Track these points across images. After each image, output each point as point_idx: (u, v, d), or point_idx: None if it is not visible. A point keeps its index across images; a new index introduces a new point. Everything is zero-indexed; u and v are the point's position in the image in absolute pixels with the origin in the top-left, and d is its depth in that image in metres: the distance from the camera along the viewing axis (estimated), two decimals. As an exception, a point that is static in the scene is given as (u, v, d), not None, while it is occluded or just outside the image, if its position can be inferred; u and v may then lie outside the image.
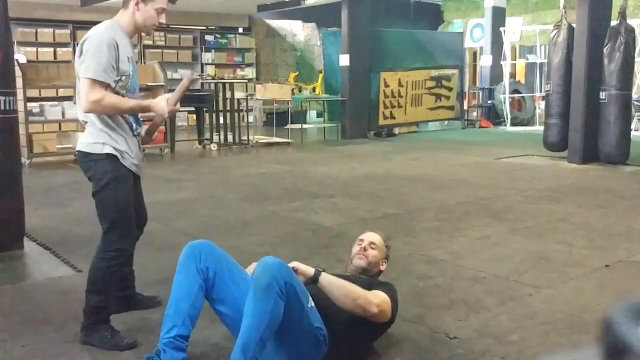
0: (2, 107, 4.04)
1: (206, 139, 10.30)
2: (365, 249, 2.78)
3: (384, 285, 2.66)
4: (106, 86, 2.63)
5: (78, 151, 2.80)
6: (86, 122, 2.76)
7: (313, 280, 2.41)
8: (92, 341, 2.74)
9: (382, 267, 2.85)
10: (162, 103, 2.75)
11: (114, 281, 2.87)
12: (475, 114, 14.00)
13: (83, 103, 2.63)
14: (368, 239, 2.83)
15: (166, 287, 2.47)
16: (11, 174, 4.20)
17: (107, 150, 2.70)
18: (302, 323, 2.31)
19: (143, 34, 2.86)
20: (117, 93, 2.70)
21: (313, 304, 2.38)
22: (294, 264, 2.45)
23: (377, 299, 2.45)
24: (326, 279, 2.42)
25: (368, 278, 2.71)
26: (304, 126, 12.22)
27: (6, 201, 4.15)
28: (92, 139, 2.73)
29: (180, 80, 2.95)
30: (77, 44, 2.87)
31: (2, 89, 4.04)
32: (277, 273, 2.22)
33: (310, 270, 2.43)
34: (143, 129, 2.96)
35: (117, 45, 2.66)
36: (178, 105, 2.81)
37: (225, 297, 2.45)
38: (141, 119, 2.96)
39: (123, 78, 2.71)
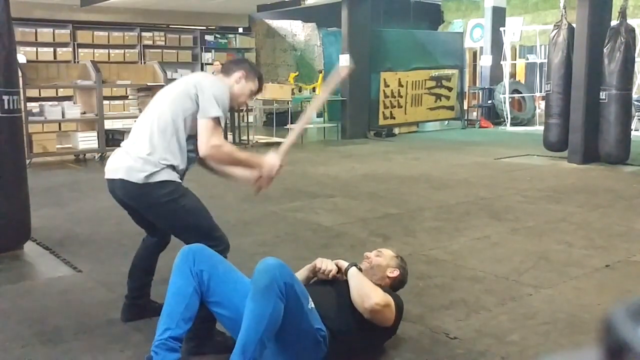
0: (6, 107, 4.03)
1: (206, 139, 10.29)
2: (368, 256, 2.82)
3: (392, 294, 2.65)
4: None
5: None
6: (135, 143, 2.71)
7: (345, 273, 2.64)
8: (207, 350, 2.65)
9: (392, 274, 2.77)
10: (272, 162, 2.80)
11: None
12: (475, 114, 13.99)
13: (202, 145, 2.64)
14: (377, 249, 2.89)
15: (167, 287, 2.48)
16: (16, 173, 4.19)
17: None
18: (301, 324, 2.32)
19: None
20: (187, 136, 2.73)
21: (313, 305, 2.39)
22: (339, 261, 2.72)
23: (380, 298, 2.46)
24: (351, 271, 2.61)
25: (378, 285, 2.72)
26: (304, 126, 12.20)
27: (12, 201, 4.13)
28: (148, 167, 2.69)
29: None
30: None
31: (6, 89, 4.03)
32: (277, 274, 2.22)
33: (344, 265, 2.66)
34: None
35: None
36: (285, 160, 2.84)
37: (221, 299, 2.46)
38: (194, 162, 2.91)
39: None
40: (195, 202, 2.76)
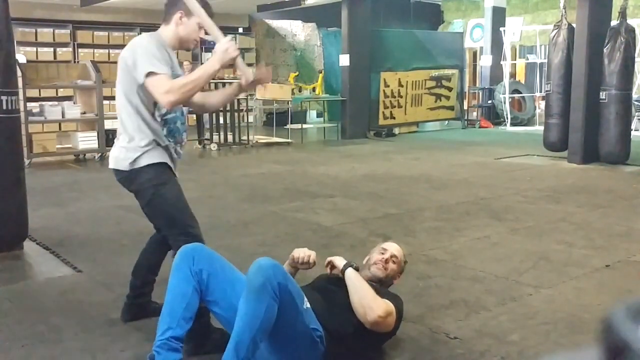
0: (5, 107, 4.03)
1: (206, 139, 10.31)
2: (386, 261, 2.78)
3: (393, 297, 2.64)
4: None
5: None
6: (121, 134, 2.74)
7: (341, 272, 2.59)
8: (205, 349, 2.64)
9: (396, 281, 2.86)
10: (218, 53, 2.64)
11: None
12: (475, 114, 13.99)
13: (159, 99, 2.58)
14: (391, 251, 2.82)
15: (166, 287, 2.47)
16: (14, 174, 4.19)
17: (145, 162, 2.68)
18: (296, 324, 2.31)
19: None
20: (152, 115, 2.68)
21: (309, 305, 2.39)
22: (334, 258, 2.69)
23: (383, 310, 2.44)
24: (349, 273, 2.56)
25: (377, 286, 2.69)
26: (304, 126, 12.21)
27: (9, 201, 4.14)
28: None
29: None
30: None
31: (5, 89, 4.04)
32: (271, 274, 2.22)
33: (341, 265, 2.62)
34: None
35: (166, 50, 2.68)
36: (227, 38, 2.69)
37: (220, 298, 2.45)
38: (185, 130, 2.89)
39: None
40: (175, 194, 2.76)
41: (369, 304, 2.43)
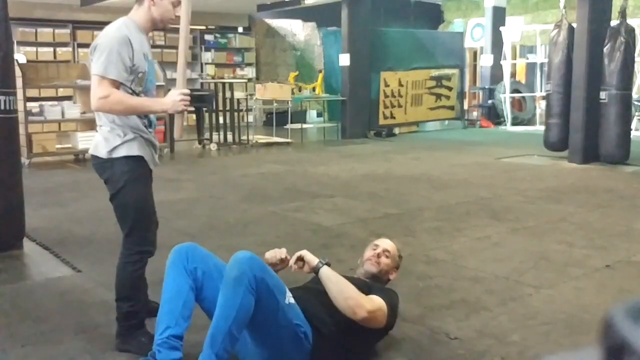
0: (2, 107, 4.04)
1: (206, 139, 10.30)
2: (378, 256, 2.77)
3: (385, 291, 2.62)
4: (118, 85, 2.59)
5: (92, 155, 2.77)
6: (101, 126, 2.72)
7: (314, 271, 2.49)
8: (129, 348, 2.69)
9: (392, 276, 2.84)
10: (168, 99, 2.68)
11: (142, 284, 2.83)
12: (475, 113, 13.99)
13: (91, 100, 2.61)
14: (383, 246, 2.81)
15: (162, 288, 2.47)
16: (11, 174, 4.20)
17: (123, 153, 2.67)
18: (277, 318, 2.30)
19: (156, 31, 2.89)
20: (133, 92, 2.66)
21: (292, 301, 2.38)
22: (303, 252, 2.54)
23: (371, 304, 2.42)
24: (325, 272, 2.47)
25: (370, 282, 2.68)
26: (304, 126, 12.21)
27: (6, 201, 4.15)
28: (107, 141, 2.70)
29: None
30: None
31: (2, 89, 4.04)
32: (247, 267, 2.23)
33: (313, 261, 2.50)
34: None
35: (131, 42, 2.62)
36: (185, 91, 2.70)
37: (214, 296, 2.46)
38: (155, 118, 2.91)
39: (139, 75, 2.68)
40: (142, 193, 2.74)
41: (356, 302, 2.39)
